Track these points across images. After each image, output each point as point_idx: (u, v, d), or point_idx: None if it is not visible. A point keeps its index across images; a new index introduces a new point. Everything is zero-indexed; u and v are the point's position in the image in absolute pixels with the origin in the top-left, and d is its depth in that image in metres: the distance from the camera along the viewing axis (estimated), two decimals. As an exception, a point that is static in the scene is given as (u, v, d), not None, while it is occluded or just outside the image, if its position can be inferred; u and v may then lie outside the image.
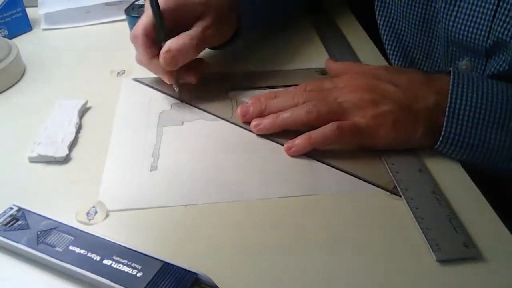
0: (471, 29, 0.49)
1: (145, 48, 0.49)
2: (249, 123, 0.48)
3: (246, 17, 0.55)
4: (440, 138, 0.43)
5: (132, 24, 0.57)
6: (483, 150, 0.42)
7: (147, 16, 0.49)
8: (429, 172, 0.42)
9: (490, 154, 0.42)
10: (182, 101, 0.52)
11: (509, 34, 0.46)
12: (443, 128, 0.42)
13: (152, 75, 0.54)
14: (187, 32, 0.49)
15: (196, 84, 0.52)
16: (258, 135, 0.47)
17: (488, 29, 0.48)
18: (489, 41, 0.48)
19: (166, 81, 0.51)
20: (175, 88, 0.51)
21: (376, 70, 0.49)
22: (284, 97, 0.48)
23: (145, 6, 0.51)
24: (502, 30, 0.46)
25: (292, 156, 0.45)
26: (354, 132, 0.44)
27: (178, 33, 0.49)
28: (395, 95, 0.44)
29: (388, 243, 0.37)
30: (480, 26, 0.48)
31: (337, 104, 0.45)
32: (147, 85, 0.56)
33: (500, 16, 0.47)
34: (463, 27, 0.50)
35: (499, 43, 0.47)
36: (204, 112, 0.51)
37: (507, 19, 0.46)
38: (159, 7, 0.48)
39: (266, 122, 0.47)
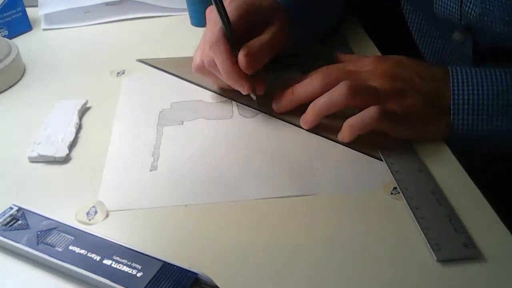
0: (447, 10, 0.53)
1: (227, 54, 0.46)
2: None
3: (297, 29, 0.54)
4: (451, 131, 0.45)
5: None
6: (492, 135, 0.44)
7: (218, 23, 0.48)
8: (429, 172, 0.42)
9: (500, 138, 0.44)
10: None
11: (476, 18, 0.50)
12: (451, 123, 0.44)
13: (156, 56, 0.56)
14: (259, 37, 0.48)
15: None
16: (255, 132, 0.48)
17: (459, 12, 0.52)
18: (462, 21, 0.52)
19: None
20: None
21: (398, 58, 0.49)
22: (308, 81, 0.48)
23: (211, 16, 0.50)
24: (471, 17, 0.50)
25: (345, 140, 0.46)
26: (392, 120, 0.44)
27: (248, 39, 0.48)
28: (420, 86, 0.46)
29: (388, 243, 0.37)
30: (451, 8, 0.53)
31: (372, 87, 0.45)
32: (152, 65, 0.57)
33: (466, 3, 0.51)
34: (441, 7, 0.55)
35: (473, 25, 0.51)
36: (204, 111, 0.51)
37: (472, 6, 0.51)
38: (225, 9, 0.46)
39: (306, 117, 0.47)
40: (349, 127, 0.44)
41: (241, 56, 0.46)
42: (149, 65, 0.58)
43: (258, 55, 0.47)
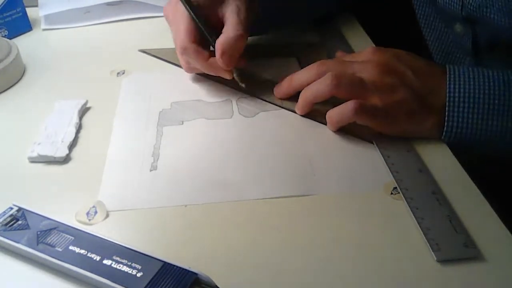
0: (449, 0, 0.54)
1: (197, 54, 0.50)
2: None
3: (264, 10, 0.55)
4: (444, 129, 0.44)
5: None
6: (486, 137, 0.44)
7: (184, 23, 0.50)
8: (429, 172, 0.42)
9: (493, 140, 0.44)
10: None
11: (476, 9, 0.50)
12: (445, 120, 0.44)
13: (157, 46, 0.59)
14: (226, 26, 0.50)
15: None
16: (255, 130, 0.48)
17: (460, 2, 0.52)
18: (463, 12, 0.52)
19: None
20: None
21: (396, 51, 0.49)
22: (305, 70, 0.50)
23: (174, 16, 0.52)
24: (471, 8, 0.50)
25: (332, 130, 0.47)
26: (372, 114, 0.45)
27: (215, 28, 0.51)
28: (413, 82, 0.46)
29: (388, 243, 0.37)
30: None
31: (358, 79, 0.46)
32: (154, 56, 0.59)
33: None
34: None
35: (473, 17, 0.51)
36: (204, 111, 0.51)
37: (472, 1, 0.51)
38: (194, 8, 0.50)
39: (297, 105, 0.49)
40: (329, 118, 0.46)
41: (218, 59, 0.49)
42: (150, 55, 0.59)
43: (233, 47, 0.49)
